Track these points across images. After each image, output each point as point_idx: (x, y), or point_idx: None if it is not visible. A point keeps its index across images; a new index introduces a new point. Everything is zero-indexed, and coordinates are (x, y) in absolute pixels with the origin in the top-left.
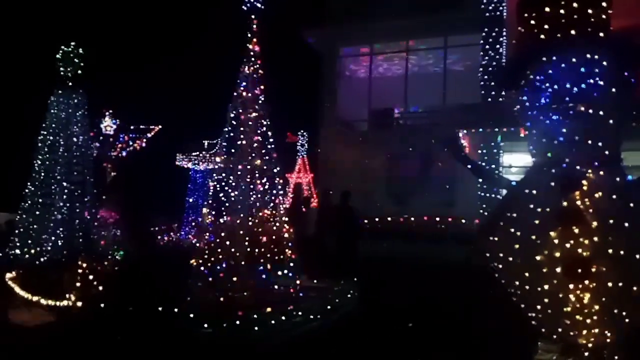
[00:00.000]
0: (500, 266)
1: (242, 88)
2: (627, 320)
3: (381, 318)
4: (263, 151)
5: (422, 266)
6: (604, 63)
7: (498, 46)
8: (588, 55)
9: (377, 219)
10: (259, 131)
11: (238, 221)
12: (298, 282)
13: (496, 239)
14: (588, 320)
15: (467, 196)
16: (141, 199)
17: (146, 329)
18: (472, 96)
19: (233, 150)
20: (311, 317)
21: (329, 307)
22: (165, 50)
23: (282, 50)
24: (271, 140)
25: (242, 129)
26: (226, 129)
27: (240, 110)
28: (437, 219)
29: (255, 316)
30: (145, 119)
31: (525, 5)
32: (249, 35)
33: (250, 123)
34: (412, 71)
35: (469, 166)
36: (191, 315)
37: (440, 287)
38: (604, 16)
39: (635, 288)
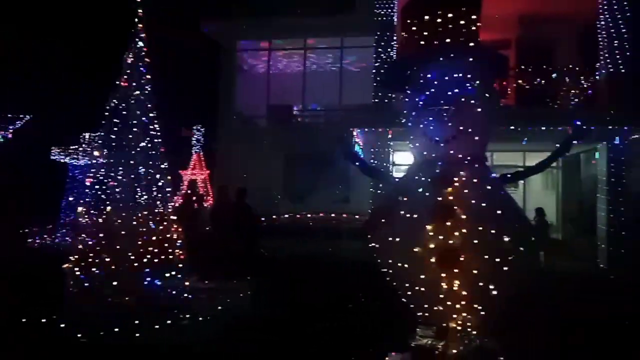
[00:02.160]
0: (383, 259)
1: (124, 78)
2: (490, 302)
3: (274, 318)
4: (148, 145)
5: (319, 263)
6: (474, 70)
7: (389, 49)
8: (461, 62)
9: (275, 217)
10: (143, 124)
11: (119, 221)
12: (187, 283)
13: (379, 234)
14: (458, 305)
15: (361, 193)
16: (5, 197)
17: (16, 338)
18: (367, 96)
19: (114, 144)
20: (200, 319)
21: (219, 307)
22: (41, 33)
23: (177, 40)
24: (158, 134)
25: (124, 121)
26: (107, 121)
27: (123, 101)
28: (333, 215)
29: (137, 321)
30: (15, 108)
31: (407, 12)
32: (136, 20)
33: (133, 115)
34: (310, 69)
35: (357, 164)
36: (63, 324)
37: (334, 283)
38: (473, 28)
39: (497, 273)
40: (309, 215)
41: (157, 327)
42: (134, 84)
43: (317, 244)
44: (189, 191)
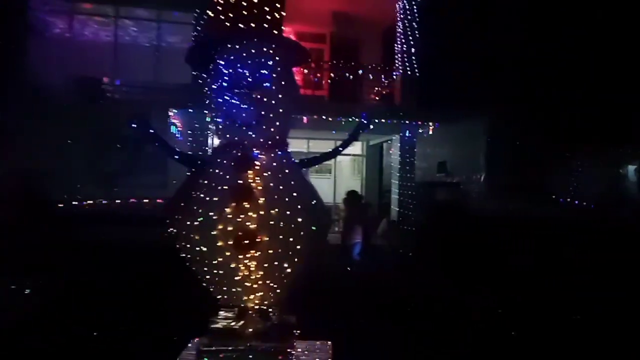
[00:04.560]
0: (183, 243)
1: None
2: (285, 281)
3: (64, 312)
4: None
5: (129, 250)
6: (276, 57)
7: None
8: (264, 48)
9: (77, 203)
10: None
11: None
12: None
13: (180, 217)
14: (255, 285)
15: (179, 178)
16: None
17: None
18: (188, 76)
19: None
20: None
21: None
22: None
23: None
24: None
25: None
26: None
27: None
28: (147, 200)
29: None
30: None
31: None
32: None
33: None
34: (123, 40)
35: (158, 145)
36: None
37: (137, 271)
38: (277, 16)
39: (291, 254)
40: (117, 201)
41: None
42: None
43: (130, 230)
44: None
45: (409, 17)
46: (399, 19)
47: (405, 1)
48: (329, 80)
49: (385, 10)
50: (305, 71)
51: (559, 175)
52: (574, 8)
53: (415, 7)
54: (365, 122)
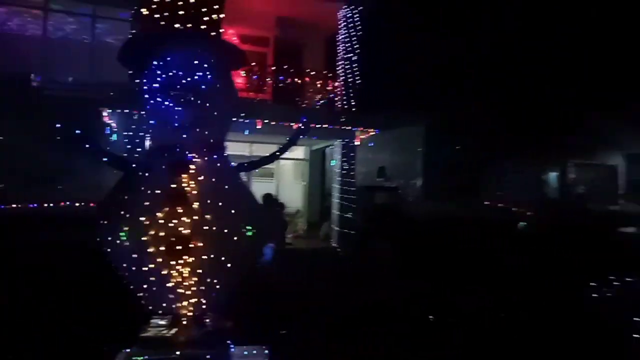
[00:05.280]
0: (111, 249)
1: None
2: (220, 287)
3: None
4: None
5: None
6: (213, 59)
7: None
8: (199, 49)
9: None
10: None
11: None
12: None
13: (108, 222)
14: (188, 292)
15: (114, 180)
16: None
17: None
18: (122, 74)
19: None
20: None
21: None
22: None
23: None
24: None
25: None
26: None
27: None
28: (79, 204)
29: None
30: None
31: None
32: None
33: None
34: (55, 35)
35: (85, 145)
36: None
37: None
38: (215, 17)
39: (224, 260)
40: (46, 205)
41: None
42: None
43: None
44: None
45: (351, 24)
46: (341, 26)
47: (347, 9)
48: (273, 84)
49: (329, 16)
50: (248, 74)
51: (489, 180)
52: (511, 18)
53: (357, 14)
54: (303, 127)
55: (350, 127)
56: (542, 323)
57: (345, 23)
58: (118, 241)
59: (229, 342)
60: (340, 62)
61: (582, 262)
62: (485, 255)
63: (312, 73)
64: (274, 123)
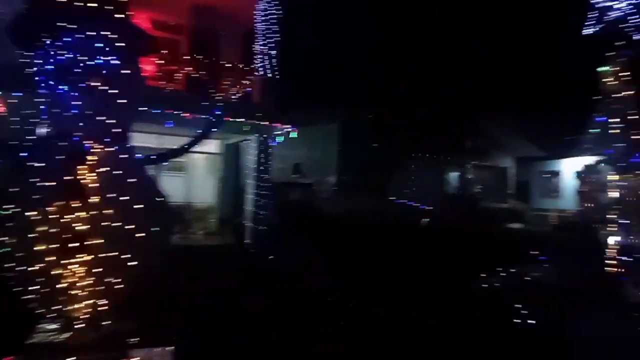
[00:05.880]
0: None
1: None
2: (120, 286)
3: None
4: None
5: None
6: (117, 43)
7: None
8: (104, 31)
9: None
10: None
11: None
12: None
13: None
14: (84, 293)
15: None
16: None
17: None
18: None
19: None
20: None
21: None
22: None
23: None
24: None
25: None
26: None
27: None
28: None
29: None
30: None
31: None
32: None
33: None
34: None
35: None
36: None
37: None
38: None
39: (127, 257)
40: None
41: None
42: None
43: None
44: None
45: (269, 18)
46: (259, 19)
47: (265, 1)
48: (186, 74)
49: (247, 9)
50: (160, 62)
51: (399, 178)
52: (421, 22)
53: (275, 8)
54: (215, 120)
55: (266, 122)
56: (438, 312)
57: (263, 16)
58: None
59: (129, 344)
60: (258, 56)
61: (476, 256)
62: (392, 249)
63: (228, 65)
64: (186, 115)
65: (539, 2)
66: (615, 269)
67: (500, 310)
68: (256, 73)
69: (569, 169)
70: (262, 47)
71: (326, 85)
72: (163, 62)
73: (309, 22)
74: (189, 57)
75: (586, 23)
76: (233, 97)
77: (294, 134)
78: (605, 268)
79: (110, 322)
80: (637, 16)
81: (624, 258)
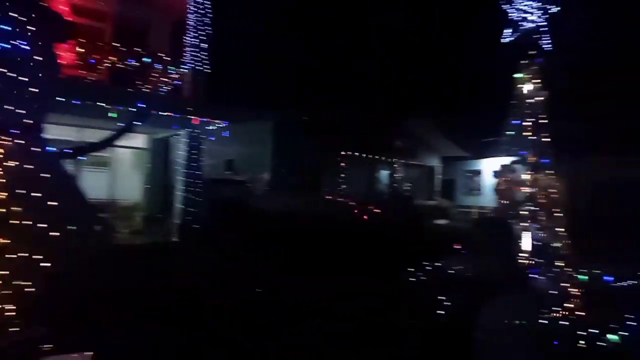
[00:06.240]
0: None
1: None
2: (29, 290)
3: None
4: None
5: None
6: (28, 27)
7: None
8: (11, 13)
9: None
10: None
11: None
12: None
13: None
14: None
15: None
16: None
17: None
18: None
19: None
20: None
21: None
22: None
23: None
24: None
25: None
26: None
27: None
28: None
29: None
30: None
31: None
32: None
33: None
34: None
35: None
36: None
37: None
38: None
39: (39, 257)
40: None
41: None
42: None
43: None
44: None
45: (201, 9)
46: (190, 11)
47: None
48: (109, 64)
49: (177, 0)
50: (80, 50)
51: (331, 176)
52: (365, 20)
53: (207, 2)
54: (142, 113)
55: (197, 117)
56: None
57: (195, 7)
58: None
59: (42, 351)
60: (189, 48)
61: (405, 250)
62: (324, 246)
63: (156, 56)
64: (108, 107)
65: (463, 11)
66: (527, 261)
67: (426, 302)
68: (187, 66)
69: (489, 168)
70: (193, 40)
71: (260, 81)
72: (83, 50)
73: (244, 15)
74: (113, 47)
75: (504, 32)
76: (161, 90)
77: (226, 131)
78: (519, 260)
79: (19, 328)
80: (547, 29)
81: (534, 251)
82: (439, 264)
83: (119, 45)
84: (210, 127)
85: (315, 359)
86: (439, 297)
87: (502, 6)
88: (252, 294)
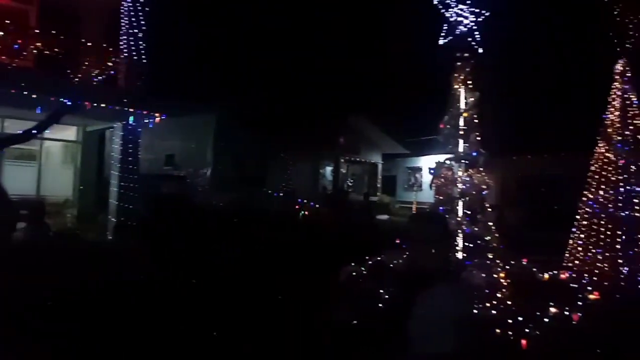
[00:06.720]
0: None
1: None
2: None
3: None
4: None
5: None
6: None
7: None
8: None
9: None
10: None
11: None
12: None
13: None
14: None
15: None
16: None
17: None
18: None
19: None
20: None
21: None
22: None
23: None
24: None
25: None
26: None
27: None
28: None
29: None
30: None
31: None
32: None
33: None
34: None
35: None
36: None
37: None
38: None
39: None
40: None
41: None
42: None
43: None
44: None
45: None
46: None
47: None
48: (35, 50)
49: None
50: (1, 33)
51: (274, 171)
52: (309, 15)
53: None
54: (70, 103)
55: (133, 110)
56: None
57: None
58: None
59: None
60: (126, 37)
61: (348, 244)
62: (266, 241)
63: (88, 43)
64: (33, 96)
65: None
66: (461, 254)
67: (366, 295)
68: (123, 55)
69: (427, 165)
70: (130, 28)
71: (202, 74)
72: (4, 34)
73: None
74: (40, 31)
75: (441, 34)
76: (94, 79)
77: (167, 124)
78: (454, 253)
79: None
80: (478, 32)
81: (467, 244)
82: (379, 258)
83: (46, 29)
84: (148, 120)
85: (255, 353)
86: (378, 290)
87: (440, 10)
88: (189, 290)
